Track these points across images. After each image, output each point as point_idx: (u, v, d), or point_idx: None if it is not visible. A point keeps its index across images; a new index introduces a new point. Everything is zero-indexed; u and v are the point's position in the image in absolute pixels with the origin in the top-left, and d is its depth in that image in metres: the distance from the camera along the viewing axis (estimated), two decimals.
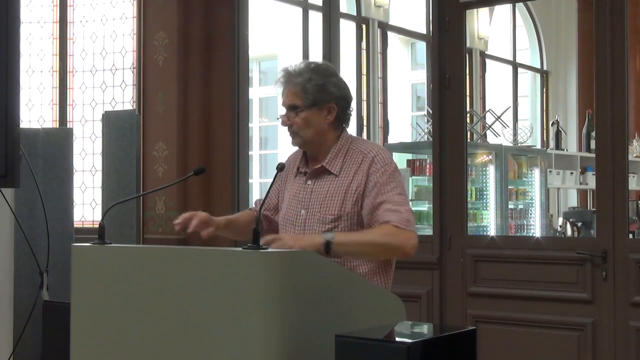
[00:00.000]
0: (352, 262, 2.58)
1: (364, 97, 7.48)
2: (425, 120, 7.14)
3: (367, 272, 2.60)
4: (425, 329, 2.43)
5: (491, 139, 7.20)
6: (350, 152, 2.65)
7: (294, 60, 2.78)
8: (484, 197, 6.64)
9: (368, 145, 2.69)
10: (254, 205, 2.98)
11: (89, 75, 5.46)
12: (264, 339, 1.96)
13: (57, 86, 5.48)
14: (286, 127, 2.69)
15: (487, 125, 7.44)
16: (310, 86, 2.62)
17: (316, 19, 6.02)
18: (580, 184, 8.38)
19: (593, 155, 5.89)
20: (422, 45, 9.06)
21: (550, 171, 7.61)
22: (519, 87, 9.55)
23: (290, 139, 2.72)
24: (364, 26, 7.59)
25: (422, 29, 8.49)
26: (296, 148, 2.80)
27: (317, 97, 2.62)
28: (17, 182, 2.92)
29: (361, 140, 2.77)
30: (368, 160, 2.60)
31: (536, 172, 7.21)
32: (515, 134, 7.34)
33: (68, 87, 5.48)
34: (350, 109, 2.74)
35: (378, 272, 2.63)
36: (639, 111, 8.69)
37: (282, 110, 2.71)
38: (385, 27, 7.89)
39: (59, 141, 4.84)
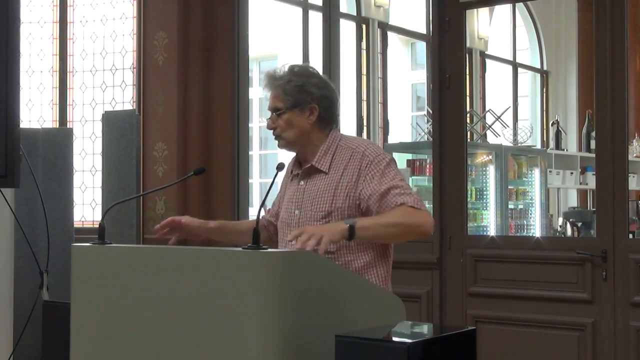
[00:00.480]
0: (346, 257, 2.57)
1: (364, 97, 7.47)
2: (425, 120, 7.14)
3: (362, 266, 2.58)
4: (425, 329, 2.42)
5: (491, 139, 7.20)
6: (339, 150, 2.67)
7: (289, 62, 2.80)
8: (484, 197, 6.64)
9: (356, 141, 2.71)
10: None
11: (89, 75, 5.46)
12: (264, 339, 1.96)
13: (57, 86, 5.48)
14: (271, 131, 2.73)
15: (487, 125, 7.44)
16: (290, 87, 2.64)
17: (316, 19, 6.02)
18: (580, 184, 8.38)
19: (593, 155, 5.89)
20: (422, 45, 9.06)
21: (550, 171, 7.61)
22: (519, 87, 9.55)
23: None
24: (364, 26, 7.59)
25: (422, 29, 8.49)
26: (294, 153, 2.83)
27: (297, 98, 2.64)
28: (17, 182, 2.92)
29: (350, 137, 2.77)
30: (358, 155, 2.62)
31: (536, 172, 7.21)
32: (515, 134, 7.34)
33: (68, 87, 5.47)
34: (337, 109, 2.74)
35: (374, 265, 2.61)
36: (639, 111, 8.69)
37: (269, 115, 2.75)
38: (385, 27, 7.89)
39: (59, 141, 4.84)
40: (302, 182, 2.71)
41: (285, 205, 2.75)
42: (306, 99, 2.65)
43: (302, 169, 2.72)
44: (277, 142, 2.73)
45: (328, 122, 2.71)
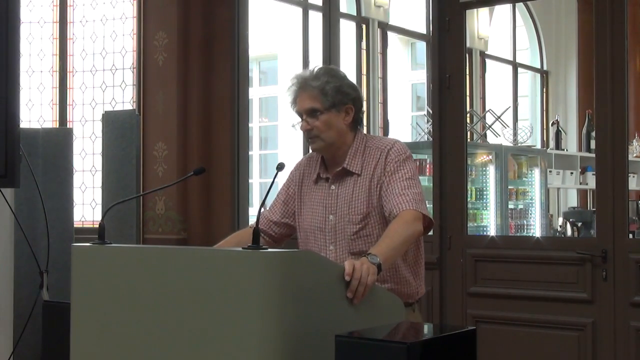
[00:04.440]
0: (392, 269, 2.60)
1: (364, 97, 7.48)
2: (425, 120, 7.14)
3: (404, 271, 2.65)
4: (425, 329, 2.42)
5: (491, 139, 7.20)
6: (368, 150, 2.69)
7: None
8: (484, 197, 6.64)
9: (384, 141, 2.74)
10: (251, 223, 2.97)
11: (89, 75, 5.46)
12: (263, 339, 1.96)
13: (57, 86, 5.49)
14: (301, 132, 2.70)
15: (487, 125, 7.44)
16: (329, 88, 2.65)
17: (316, 19, 6.02)
18: (580, 184, 8.38)
19: (593, 155, 5.89)
20: (422, 45, 9.06)
21: (550, 171, 7.61)
22: (519, 87, 9.55)
23: (309, 143, 2.72)
24: (364, 26, 7.59)
25: (422, 29, 8.49)
26: (302, 155, 2.82)
27: (336, 99, 2.66)
28: (17, 182, 2.92)
29: (376, 137, 2.82)
30: (385, 154, 2.65)
31: (536, 172, 7.21)
32: (515, 134, 7.34)
33: (68, 87, 5.48)
34: (363, 110, 2.78)
35: (414, 265, 2.67)
36: (639, 111, 8.69)
37: (294, 117, 2.72)
38: (385, 27, 7.89)
39: (59, 141, 4.84)
40: (333, 187, 2.70)
41: (312, 210, 2.72)
42: (343, 100, 2.67)
43: (333, 173, 2.71)
44: (312, 143, 2.69)
45: (359, 123, 2.75)
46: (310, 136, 2.67)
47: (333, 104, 2.65)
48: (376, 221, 2.62)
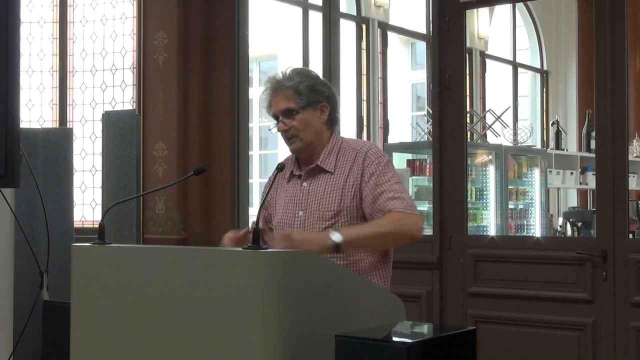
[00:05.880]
0: (354, 256, 2.60)
1: (364, 97, 7.48)
2: (425, 120, 7.14)
3: (367, 266, 2.62)
4: (425, 329, 2.43)
5: (491, 139, 7.20)
6: (343, 150, 2.71)
7: (289, 63, 2.82)
8: (484, 197, 6.64)
9: (359, 142, 2.77)
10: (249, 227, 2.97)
11: (89, 75, 5.46)
12: (263, 339, 1.96)
13: (57, 86, 5.48)
14: (280, 134, 2.71)
15: (487, 125, 7.44)
16: (303, 87, 2.67)
17: (316, 19, 6.02)
18: (580, 184, 8.38)
19: (593, 155, 5.89)
20: (422, 45, 9.06)
21: (550, 171, 7.61)
22: (519, 87, 9.55)
23: (288, 145, 2.73)
24: (364, 26, 7.59)
25: (422, 29, 8.49)
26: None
27: (310, 97, 2.67)
28: (17, 182, 2.93)
29: (351, 139, 2.83)
30: (362, 155, 2.66)
31: (536, 172, 7.21)
32: (515, 134, 7.35)
33: (68, 87, 5.48)
34: (339, 111, 2.79)
35: (377, 267, 2.65)
36: (639, 111, 8.69)
37: (271, 120, 2.73)
38: (385, 27, 7.89)
39: (59, 141, 4.84)
40: (305, 184, 2.71)
41: (284, 207, 2.74)
42: (317, 99, 2.69)
43: (306, 170, 2.72)
44: (290, 144, 2.70)
45: (335, 122, 2.76)
46: (288, 137, 2.69)
47: (308, 103, 2.67)
48: (345, 220, 2.62)
